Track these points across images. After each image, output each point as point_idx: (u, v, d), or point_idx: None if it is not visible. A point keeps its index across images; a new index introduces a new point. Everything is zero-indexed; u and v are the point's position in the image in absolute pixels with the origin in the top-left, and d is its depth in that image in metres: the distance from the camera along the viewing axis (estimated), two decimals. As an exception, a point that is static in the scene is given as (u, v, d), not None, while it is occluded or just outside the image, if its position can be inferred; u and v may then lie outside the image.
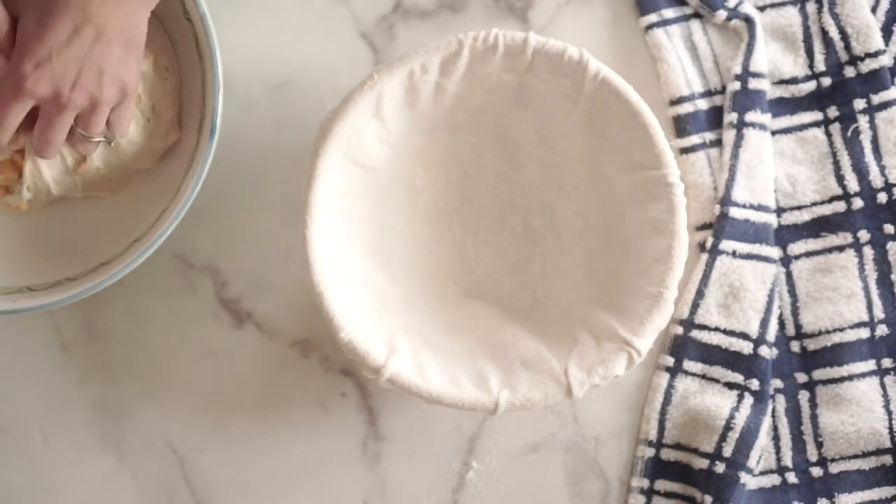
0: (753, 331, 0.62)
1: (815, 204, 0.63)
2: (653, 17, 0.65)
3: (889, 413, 0.61)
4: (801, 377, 0.63)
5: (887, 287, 0.62)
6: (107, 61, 0.53)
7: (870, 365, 0.62)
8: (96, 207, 0.64)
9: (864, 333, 0.62)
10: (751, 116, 0.63)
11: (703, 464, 0.61)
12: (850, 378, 0.62)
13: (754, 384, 0.61)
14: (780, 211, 0.64)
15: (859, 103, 0.63)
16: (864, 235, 0.63)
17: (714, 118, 0.65)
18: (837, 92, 0.64)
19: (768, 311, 0.62)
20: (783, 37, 0.65)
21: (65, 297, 0.58)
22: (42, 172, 0.60)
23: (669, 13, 0.65)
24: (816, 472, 0.62)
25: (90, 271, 0.61)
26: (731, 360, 0.62)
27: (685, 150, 0.64)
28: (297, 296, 0.65)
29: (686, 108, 0.64)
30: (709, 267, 0.63)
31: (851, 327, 0.62)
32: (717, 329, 0.62)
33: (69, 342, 0.65)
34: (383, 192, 0.61)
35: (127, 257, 0.59)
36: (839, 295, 0.62)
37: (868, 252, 0.63)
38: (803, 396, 0.63)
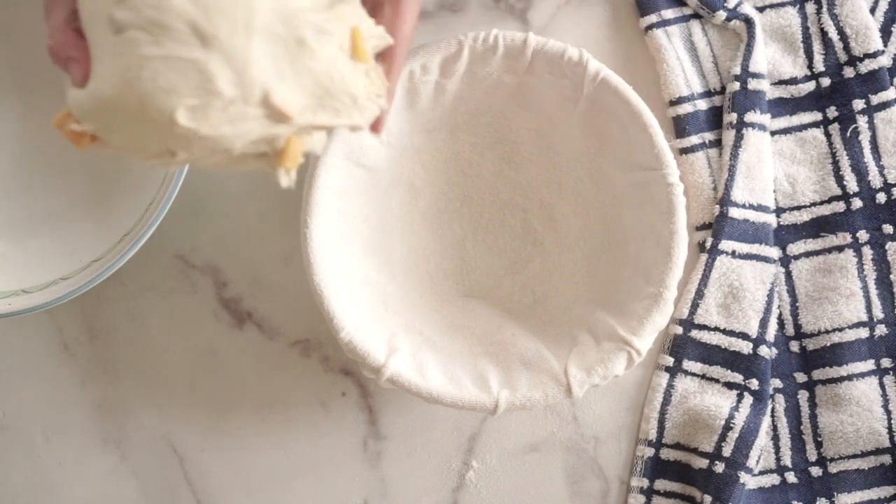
0: (753, 331, 0.62)
1: (814, 204, 0.64)
2: (653, 18, 0.65)
3: (888, 413, 0.61)
4: (801, 377, 0.63)
5: (886, 287, 0.62)
6: None
7: (869, 365, 0.62)
8: (81, 207, 0.63)
9: (864, 333, 0.62)
10: (750, 117, 0.63)
11: (702, 463, 0.61)
12: (850, 378, 0.62)
13: (754, 384, 0.62)
14: (779, 211, 0.64)
15: (858, 104, 0.63)
16: (863, 236, 0.63)
17: (714, 119, 0.65)
18: (836, 92, 0.64)
19: (768, 311, 0.62)
20: (782, 37, 0.65)
21: (60, 295, 0.58)
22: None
23: (669, 14, 0.65)
24: (816, 471, 0.62)
25: (83, 269, 0.61)
26: (730, 359, 0.62)
27: (685, 151, 0.64)
28: (297, 296, 0.65)
29: (686, 109, 0.64)
30: (708, 267, 0.63)
31: (851, 327, 0.62)
32: (716, 329, 0.62)
33: (70, 342, 0.65)
34: (383, 192, 0.61)
35: (118, 252, 0.59)
36: (838, 295, 0.62)
37: (867, 252, 0.63)
38: (803, 396, 0.63)
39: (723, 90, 0.65)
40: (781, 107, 0.64)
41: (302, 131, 0.42)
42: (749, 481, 0.61)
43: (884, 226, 0.63)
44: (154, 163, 0.42)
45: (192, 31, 0.38)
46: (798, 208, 0.64)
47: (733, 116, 0.63)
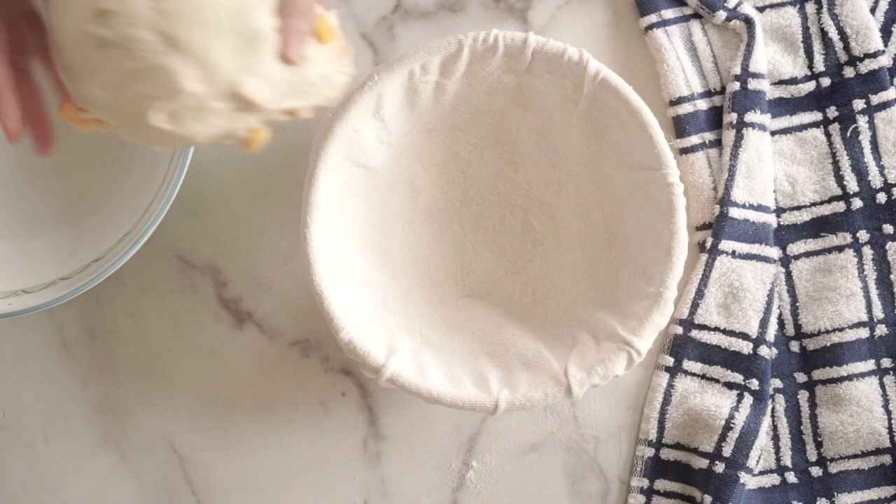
0: (753, 331, 0.62)
1: (814, 204, 0.64)
2: (653, 18, 0.65)
3: (888, 413, 0.61)
4: (801, 377, 0.63)
5: (886, 287, 0.62)
6: None
7: (869, 365, 0.62)
8: (81, 207, 0.63)
9: (864, 333, 0.62)
10: (750, 117, 0.63)
11: (702, 463, 0.61)
12: (850, 378, 0.62)
13: (754, 384, 0.62)
14: (779, 211, 0.64)
15: (858, 104, 0.63)
16: (863, 235, 0.63)
17: (714, 118, 0.65)
18: (837, 92, 0.64)
19: (768, 311, 0.62)
20: (782, 37, 0.65)
21: (60, 295, 0.58)
22: None
23: (669, 14, 0.65)
24: (816, 471, 0.62)
25: (83, 269, 0.61)
26: (730, 359, 0.62)
27: (685, 151, 0.64)
28: (297, 296, 0.65)
29: (686, 109, 0.64)
30: (708, 267, 0.63)
31: (851, 327, 0.62)
32: (716, 329, 0.62)
33: (70, 342, 0.65)
34: (383, 192, 0.61)
35: (118, 252, 0.59)
36: (839, 295, 0.62)
37: (867, 252, 0.63)
38: (803, 396, 0.63)
39: (723, 90, 0.65)
40: (781, 107, 0.64)
41: (273, 116, 0.46)
42: (749, 481, 0.61)
43: (884, 226, 0.63)
44: (150, 144, 0.46)
45: (162, 40, 0.41)
46: (798, 208, 0.64)
47: (733, 116, 0.63)
